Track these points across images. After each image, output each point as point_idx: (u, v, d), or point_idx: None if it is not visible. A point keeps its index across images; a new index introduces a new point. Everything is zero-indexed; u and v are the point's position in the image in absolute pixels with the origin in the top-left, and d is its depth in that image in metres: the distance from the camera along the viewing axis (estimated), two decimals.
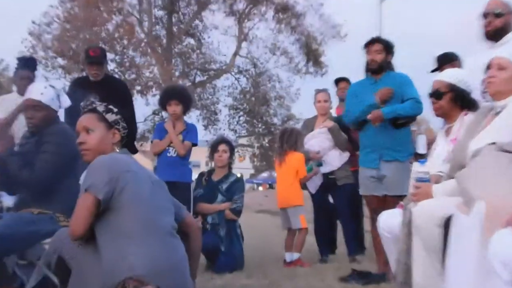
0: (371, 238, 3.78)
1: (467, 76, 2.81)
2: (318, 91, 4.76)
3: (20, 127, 3.38)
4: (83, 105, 2.27)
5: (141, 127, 18.13)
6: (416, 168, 2.58)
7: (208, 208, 4.27)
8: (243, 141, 20.22)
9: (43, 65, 14.96)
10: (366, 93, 3.68)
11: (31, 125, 2.93)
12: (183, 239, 2.18)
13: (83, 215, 2.03)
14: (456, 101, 2.71)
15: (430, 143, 3.03)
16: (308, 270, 4.03)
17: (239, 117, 18.75)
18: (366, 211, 4.32)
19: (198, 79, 18.52)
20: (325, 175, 4.62)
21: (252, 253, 4.57)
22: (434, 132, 3.70)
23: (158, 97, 14.87)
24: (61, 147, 2.82)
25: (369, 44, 3.72)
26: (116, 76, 15.30)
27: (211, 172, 4.49)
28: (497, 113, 2.29)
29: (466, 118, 2.66)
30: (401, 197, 3.35)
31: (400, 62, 4.02)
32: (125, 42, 15.83)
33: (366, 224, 4.63)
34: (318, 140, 4.62)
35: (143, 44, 16.41)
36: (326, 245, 4.71)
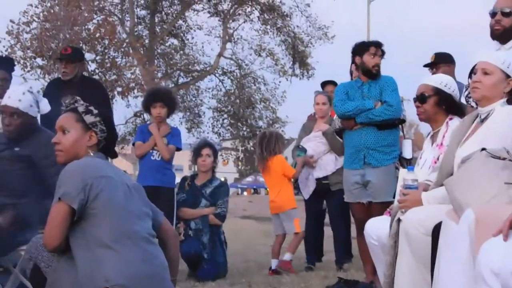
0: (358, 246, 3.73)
1: (453, 81, 2.80)
2: (317, 93, 4.69)
3: None
4: (66, 103, 2.21)
5: (122, 130, 17.94)
6: (404, 175, 2.53)
7: (192, 213, 4.22)
8: (227, 144, 20.18)
9: (21, 65, 14.66)
10: (354, 94, 3.64)
11: (8, 133, 2.88)
12: (160, 245, 2.13)
13: (57, 226, 1.97)
14: (441, 105, 2.71)
15: (420, 147, 3.00)
16: (294, 278, 3.98)
17: (223, 119, 18.70)
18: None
19: (181, 80, 18.44)
20: (319, 180, 4.52)
21: (235, 260, 4.51)
22: (424, 136, 3.67)
23: (140, 98, 14.85)
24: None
25: (376, 47, 3.60)
26: (97, 77, 15.10)
27: (194, 176, 4.46)
28: (482, 120, 2.29)
29: (451, 123, 2.66)
30: (387, 204, 3.33)
31: (388, 62, 3.98)
32: (106, 42, 15.63)
33: (353, 231, 4.58)
34: (313, 143, 4.55)
35: (124, 44, 16.23)
36: (314, 253, 4.66)
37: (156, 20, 17.93)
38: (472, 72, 2.36)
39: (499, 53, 2.40)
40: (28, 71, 14.94)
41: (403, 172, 2.67)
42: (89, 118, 2.14)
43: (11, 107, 2.82)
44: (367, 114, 3.53)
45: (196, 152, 4.40)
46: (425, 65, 4.05)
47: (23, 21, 15.18)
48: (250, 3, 17.82)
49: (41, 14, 15.40)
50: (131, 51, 16.30)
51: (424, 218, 2.16)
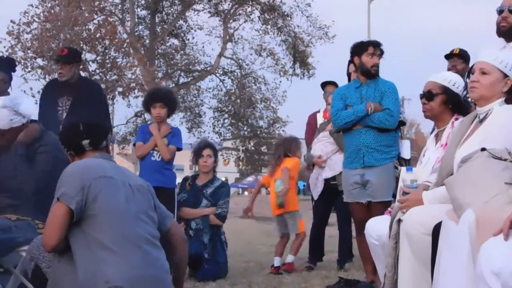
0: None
1: (461, 81, 2.79)
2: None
3: None
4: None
5: (122, 130, 17.97)
6: (404, 175, 2.53)
7: (192, 213, 4.21)
8: (228, 144, 20.18)
9: (22, 65, 14.65)
10: (351, 96, 3.63)
11: (4, 148, 2.84)
12: (167, 248, 2.12)
13: (55, 226, 1.98)
14: (447, 104, 2.70)
15: (421, 146, 2.99)
16: (294, 278, 3.98)
17: (224, 119, 18.71)
18: None
19: (181, 80, 18.44)
20: (327, 181, 4.47)
21: (236, 260, 4.51)
22: (425, 136, 3.67)
23: (140, 99, 14.85)
24: (56, 158, 2.76)
25: (374, 47, 3.58)
26: (97, 77, 15.10)
27: (195, 176, 4.44)
28: (481, 120, 2.29)
29: (456, 124, 2.64)
30: (386, 203, 3.32)
31: (388, 62, 3.97)
32: (107, 42, 15.61)
33: (353, 231, 4.57)
34: (321, 144, 4.52)
35: (125, 44, 16.22)
36: (317, 253, 4.64)
37: (157, 20, 17.94)
38: (470, 72, 2.36)
39: (497, 53, 2.39)
40: (29, 72, 14.95)
41: (402, 172, 2.66)
42: None
43: None
44: (367, 121, 3.53)
45: (197, 153, 4.38)
46: (446, 56, 4.02)
47: (24, 22, 15.19)
48: (250, 3, 17.82)
49: (41, 14, 15.39)
50: (131, 51, 16.29)
51: (425, 218, 2.16)
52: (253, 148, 19.49)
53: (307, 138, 4.97)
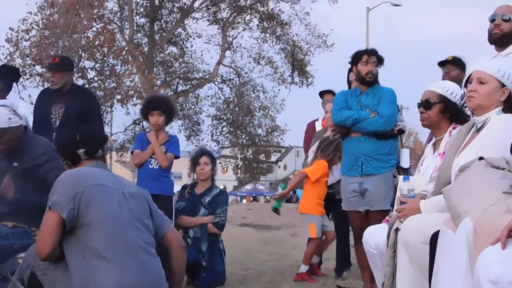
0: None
1: (459, 90, 2.80)
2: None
3: None
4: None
5: (121, 137, 17.96)
6: (401, 184, 2.54)
7: (190, 221, 4.19)
8: (226, 152, 20.19)
9: (20, 73, 14.66)
10: (352, 102, 3.66)
11: (2, 151, 2.87)
12: (165, 255, 2.10)
13: (47, 234, 1.97)
14: (445, 113, 2.71)
15: (419, 155, 2.99)
16: (293, 286, 3.97)
17: (222, 127, 18.73)
18: None
19: (180, 88, 18.50)
20: None
21: (234, 268, 4.48)
22: (423, 145, 3.67)
23: (139, 106, 14.86)
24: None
25: (368, 55, 3.63)
26: (96, 84, 15.12)
27: (194, 184, 4.43)
28: (478, 129, 2.29)
29: (454, 133, 2.65)
30: (384, 212, 3.32)
31: (386, 71, 3.98)
32: (106, 50, 15.66)
33: (351, 239, 4.56)
34: None
35: (124, 52, 16.27)
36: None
37: (156, 28, 18.01)
38: (468, 81, 2.37)
39: (494, 62, 2.41)
40: (27, 79, 14.95)
41: (399, 181, 2.67)
42: None
43: None
44: (360, 124, 3.55)
45: (194, 161, 4.37)
46: (440, 63, 4.06)
47: (22, 29, 15.24)
48: (249, 11, 17.92)
49: (40, 21, 15.45)
50: (130, 58, 16.35)
51: (423, 227, 2.16)
52: (251, 156, 19.51)
53: (305, 147, 4.97)
